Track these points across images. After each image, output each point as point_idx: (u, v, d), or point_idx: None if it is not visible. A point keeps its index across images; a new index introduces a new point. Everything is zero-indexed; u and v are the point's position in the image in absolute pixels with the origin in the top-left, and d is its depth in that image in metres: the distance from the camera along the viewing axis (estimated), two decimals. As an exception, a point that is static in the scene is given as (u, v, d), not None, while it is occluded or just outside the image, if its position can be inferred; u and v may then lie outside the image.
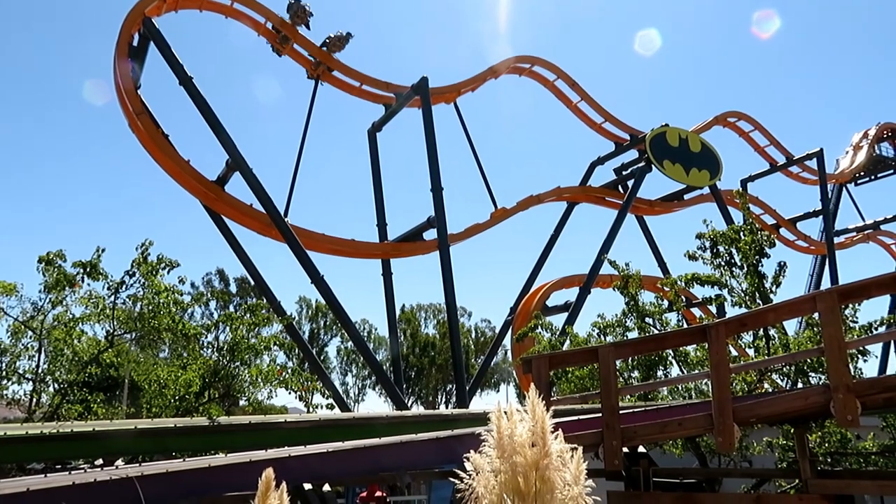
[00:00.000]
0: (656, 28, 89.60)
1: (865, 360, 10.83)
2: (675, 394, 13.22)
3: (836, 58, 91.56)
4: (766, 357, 10.77)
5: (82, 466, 8.27)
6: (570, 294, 31.82)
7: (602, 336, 13.41)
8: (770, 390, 11.24)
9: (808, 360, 10.21)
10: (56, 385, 12.42)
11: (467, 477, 3.83)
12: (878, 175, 44.15)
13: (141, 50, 23.51)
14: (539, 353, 10.20)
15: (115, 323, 12.03)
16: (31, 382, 12.16)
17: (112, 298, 11.93)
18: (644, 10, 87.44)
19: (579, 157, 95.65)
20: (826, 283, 36.59)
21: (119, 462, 8.24)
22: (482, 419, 4.24)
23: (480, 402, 43.60)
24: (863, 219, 43.73)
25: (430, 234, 27.07)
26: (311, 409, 12.76)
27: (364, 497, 16.25)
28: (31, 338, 12.14)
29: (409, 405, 31.98)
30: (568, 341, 15.52)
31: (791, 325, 16.10)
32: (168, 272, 12.22)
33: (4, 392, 11.90)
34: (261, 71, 79.69)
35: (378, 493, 15.72)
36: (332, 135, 74.38)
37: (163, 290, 11.93)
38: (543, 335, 15.30)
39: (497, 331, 37.67)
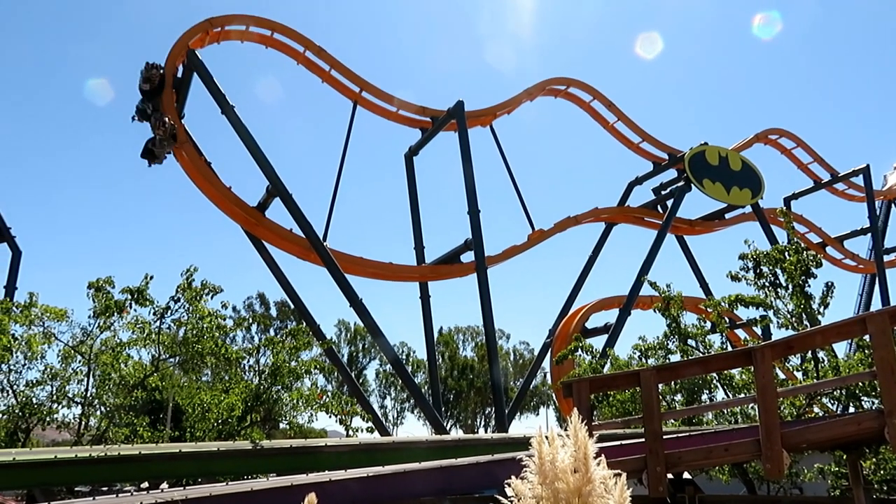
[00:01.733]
0: (693, 46, 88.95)
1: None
2: (720, 418, 12.92)
3: (881, 71, 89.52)
4: (815, 380, 10.47)
5: (128, 489, 8.42)
6: (610, 316, 31.43)
7: (643, 359, 13.21)
8: (820, 414, 10.91)
9: (860, 384, 9.89)
10: (103, 409, 12.70)
11: (508, 503, 3.80)
12: (929, 191, 42.76)
13: (185, 80, 24.23)
14: (579, 377, 10.09)
15: (160, 347, 12.28)
16: (79, 406, 12.46)
17: (157, 323, 12.21)
18: (678, 28, 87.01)
19: (617, 177, 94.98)
20: (876, 304, 35.43)
21: (164, 485, 8.37)
22: (522, 443, 4.21)
23: (520, 426, 43.13)
24: (914, 236, 42.32)
25: (468, 257, 27.05)
26: (350, 433, 12.81)
27: (403, 522, 16.13)
28: (80, 362, 12.47)
29: (447, 428, 31.80)
30: (608, 364, 15.31)
31: (841, 347, 15.64)
32: (211, 297, 12.48)
33: (55, 416, 12.22)
34: (301, 98, 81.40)
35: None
36: (370, 159, 75.36)
37: (206, 315, 12.16)
38: (584, 358, 15.14)
39: (536, 353, 37.35)
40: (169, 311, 12.14)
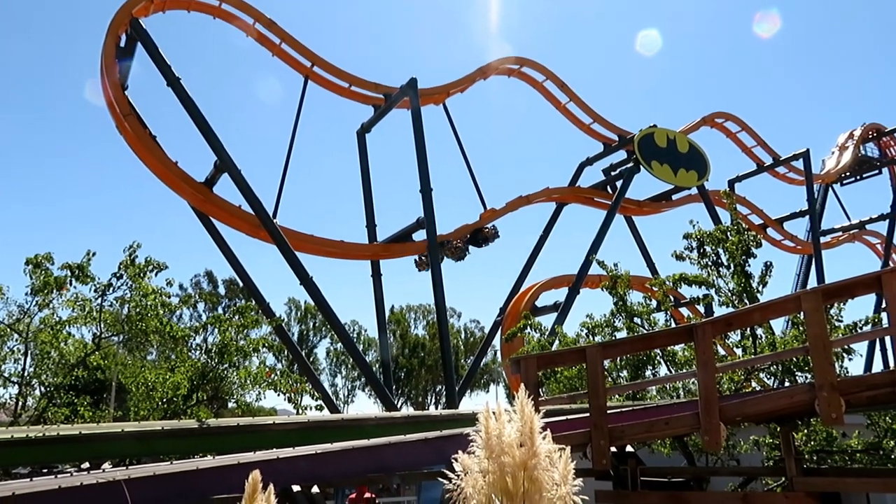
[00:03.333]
0: (645, 29, 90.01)
1: (850, 359, 10.95)
2: (663, 393, 13.31)
3: (823, 59, 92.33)
4: (753, 356, 10.86)
5: (69, 470, 8.21)
6: (560, 294, 31.91)
7: (591, 336, 13.47)
8: (757, 389, 11.33)
9: (795, 359, 10.30)
10: (42, 388, 12.34)
11: (455, 477, 3.85)
12: (864, 175, 44.50)
13: (128, 51, 23.38)
14: (527, 354, 10.23)
15: (102, 325, 11.95)
16: (16, 386, 12.08)
17: (99, 301, 11.85)
18: (634, 11, 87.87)
19: (568, 157, 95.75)
20: (812, 283, 36.83)
21: (106, 465, 8.20)
22: (471, 420, 4.25)
23: (470, 403, 43.58)
24: (848, 219, 44.11)
25: (420, 235, 27.06)
26: (300, 411, 12.75)
27: (353, 499, 16.24)
28: (17, 341, 12.06)
29: (398, 406, 31.94)
30: (557, 341, 15.58)
31: (778, 325, 16.23)
32: (156, 274, 12.15)
33: (-10, 396, 11.81)
34: (249, 71, 79.51)
35: (367, 495, 15.71)
36: (321, 136, 74.29)
37: (150, 292, 11.85)
38: (533, 335, 15.36)
39: (486, 331, 37.71)
40: (111, 289, 11.79)
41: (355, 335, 51.88)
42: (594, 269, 22.55)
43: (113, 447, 8.11)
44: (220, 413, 17.02)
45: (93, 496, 5.70)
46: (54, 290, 11.57)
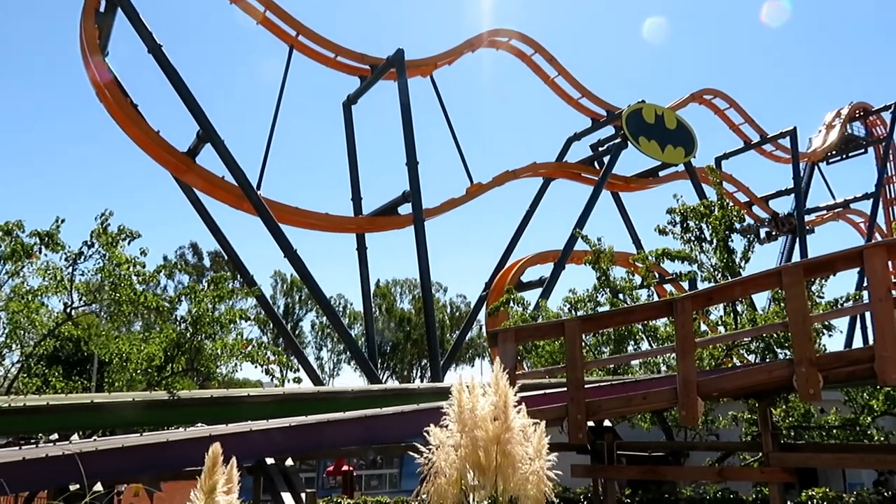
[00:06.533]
0: (635, 5, 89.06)
1: (830, 336, 10.97)
2: (645, 368, 13.32)
3: (812, 37, 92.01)
4: (734, 332, 10.84)
5: (34, 441, 8.08)
6: (546, 269, 31.88)
7: (573, 311, 13.42)
8: (737, 365, 11.34)
9: (776, 336, 10.29)
10: (13, 358, 12.10)
11: (427, 451, 3.77)
12: (850, 154, 44.60)
13: (108, 15, 22.79)
14: (505, 328, 10.15)
15: (74, 295, 11.67)
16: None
17: (70, 270, 11.55)
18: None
19: (556, 132, 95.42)
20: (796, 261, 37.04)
21: (74, 437, 8.07)
22: (449, 393, 4.15)
23: (455, 377, 43.70)
24: (833, 197, 44.28)
25: (406, 209, 26.85)
26: (278, 383, 12.61)
27: (331, 471, 16.27)
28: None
29: (383, 380, 32.00)
30: (540, 316, 15.54)
31: (761, 304, 16.26)
32: (129, 243, 11.84)
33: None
34: (233, 41, 78.28)
35: (345, 468, 15.71)
36: (307, 107, 73.33)
37: (123, 261, 11.57)
38: (516, 310, 15.31)
39: (472, 306, 37.72)
40: (82, 257, 11.49)
41: (340, 309, 51.78)
42: (580, 245, 22.50)
43: (82, 418, 7.97)
44: (204, 385, 16.88)
45: (57, 468, 5.58)
46: (24, 258, 11.26)
